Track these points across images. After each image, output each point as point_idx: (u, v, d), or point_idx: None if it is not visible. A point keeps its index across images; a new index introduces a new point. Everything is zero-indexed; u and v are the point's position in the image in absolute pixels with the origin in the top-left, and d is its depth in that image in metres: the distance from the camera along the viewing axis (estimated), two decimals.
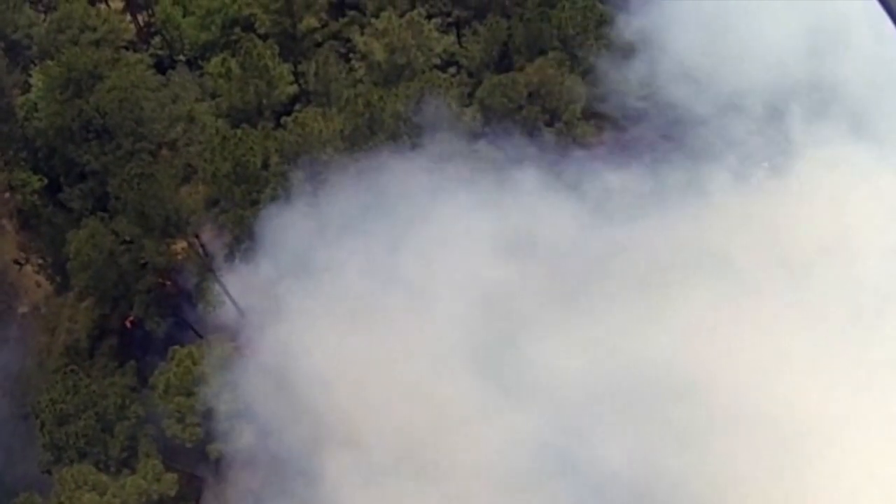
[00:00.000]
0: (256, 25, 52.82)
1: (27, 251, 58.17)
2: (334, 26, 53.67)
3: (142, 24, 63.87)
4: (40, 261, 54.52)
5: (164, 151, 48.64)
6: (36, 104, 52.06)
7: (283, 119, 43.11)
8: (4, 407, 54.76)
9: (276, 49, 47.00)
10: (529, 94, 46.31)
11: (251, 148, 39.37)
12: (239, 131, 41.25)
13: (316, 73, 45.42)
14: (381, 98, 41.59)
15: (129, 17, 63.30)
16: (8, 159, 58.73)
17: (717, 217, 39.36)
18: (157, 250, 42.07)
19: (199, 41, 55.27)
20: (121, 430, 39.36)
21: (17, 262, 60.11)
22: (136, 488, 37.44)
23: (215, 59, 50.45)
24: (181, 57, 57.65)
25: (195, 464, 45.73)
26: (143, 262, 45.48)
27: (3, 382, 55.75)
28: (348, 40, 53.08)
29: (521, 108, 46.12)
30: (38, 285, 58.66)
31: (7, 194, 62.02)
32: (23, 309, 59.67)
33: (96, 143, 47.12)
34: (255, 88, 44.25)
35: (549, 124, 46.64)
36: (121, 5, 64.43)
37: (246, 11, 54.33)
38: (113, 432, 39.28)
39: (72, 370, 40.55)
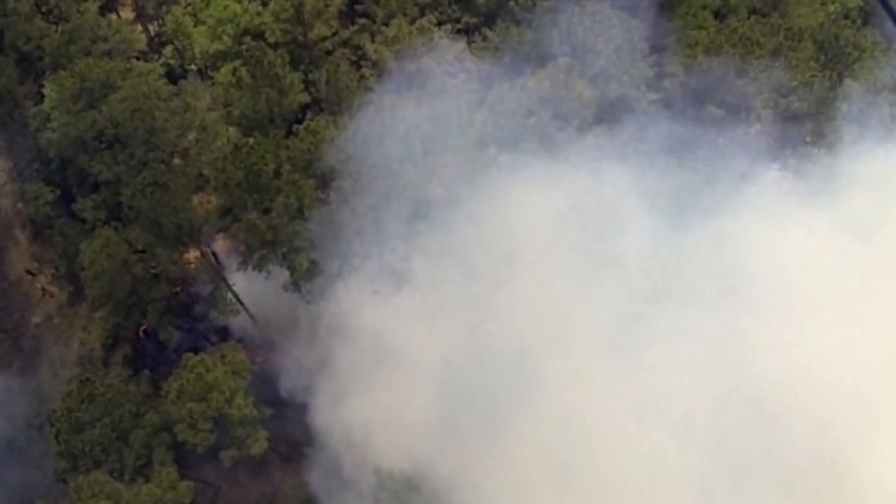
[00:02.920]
0: (267, 35, 53.06)
1: (40, 262, 58.52)
2: (344, 34, 53.86)
3: (152, 34, 64.28)
4: (53, 271, 54.64)
5: (177, 161, 48.79)
6: (49, 115, 52.34)
7: (295, 127, 43.13)
8: (19, 416, 54.96)
9: (287, 58, 47.10)
10: (540, 100, 46.22)
11: (263, 156, 39.39)
12: (251, 140, 41.30)
13: (327, 81, 45.49)
14: (392, 105, 41.57)
15: (139, 28, 63.82)
16: (21, 171, 59.20)
17: None
18: (169, 259, 42.16)
19: (211, 51, 55.57)
20: (136, 438, 39.42)
21: (29, 272, 60.47)
22: (151, 496, 37.39)
23: (225, 68, 50.72)
24: (192, 66, 57.99)
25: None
26: (156, 271, 45.64)
27: (17, 392, 55.99)
28: (358, 48, 53.25)
29: (532, 113, 46.02)
30: (52, 296, 59.02)
31: (20, 205, 62.50)
32: (36, 319, 60.01)
33: (109, 152, 47.40)
34: (266, 97, 44.28)
35: (561, 129, 46.51)
36: (131, 16, 64.97)
37: (257, 21, 54.64)
38: (128, 440, 39.36)
39: (87, 379, 40.65)
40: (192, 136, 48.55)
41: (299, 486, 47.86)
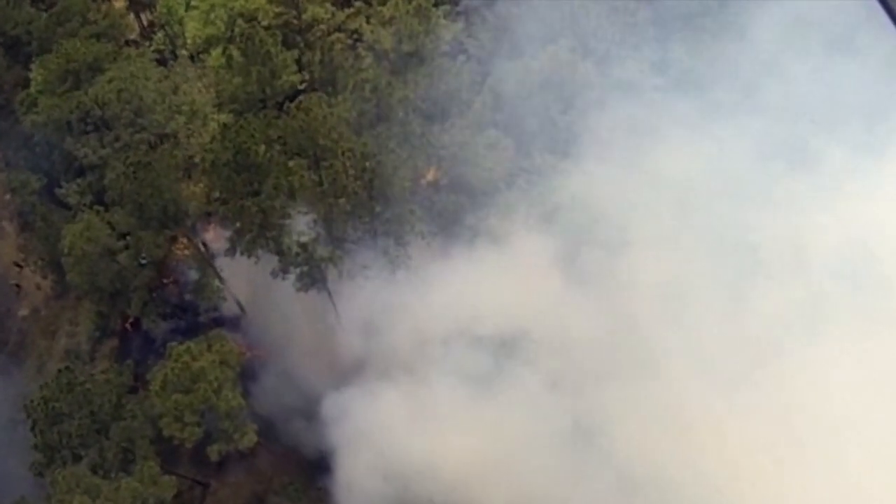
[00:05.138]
0: (260, 17, 51.43)
1: (27, 253, 56.77)
2: (340, 17, 52.24)
3: (145, 23, 62.71)
4: (39, 261, 52.88)
5: (165, 145, 46.96)
6: (36, 100, 50.65)
7: (287, 105, 41.32)
8: (4, 411, 53.28)
9: (279, 38, 45.44)
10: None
11: (253, 135, 37.56)
12: (240, 119, 39.50)
13: (321, 61, 43.75)
14: (388, 84, 39.86)
15: (131, 17, 62.21)
16: (8, 160, 57.53)
17: None
18: (154, 242, 40.22)
19: (203, 36, 53.91)
20: (116, 430, 37.47)
21: (17, 264, 58.75)
22: (130, 492, 35.36)
23: (216, 52, 49.07)
24: (184, 52, 56.33)
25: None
26: (142, 260, 43.83)
27: (2, 386, 54.26)
28: (354, 32, 51.63)
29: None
30: (39, 288, 57.27)
31: (8, 196, 60.86)
32: (23, 312, 58.32)
33: (95, 135, 45.61)
34: (257, 76, 42.56)
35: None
36: (124, 5, 63.35)
37: (251, 6, 52.98)
38: (108, 433, 37.41)
39: (66, 368, 38.65)
40: (181, 119, 46.71)
41: (291, 483, 46.21)
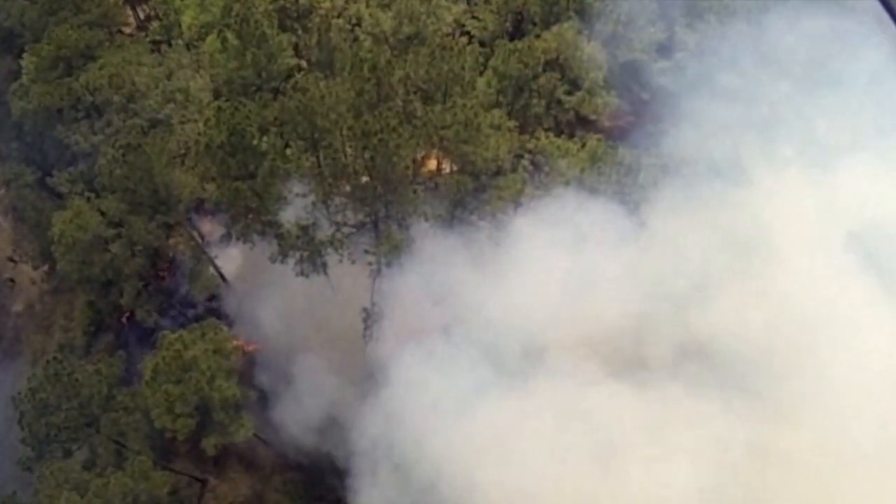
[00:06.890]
0: (257, 3, 50.10)
1: (20, 245, 55.55)
2: (339, 3, 50.94)
3: (142, 17, 61.57)
4: (31, 251, 51.63)
5: (158, 129, 45.59)
6: (28, 90, 49.40)
7: (282, 85, 39.91)
8: None
9: (276, 20, 44.12)
10: (547, 62, 43.15)
11: (248, 116, 36.17)
12: (235, 101, 38.06)
13: (318, 42, 42.36)
14: (388, 63, 38.37)
15: (128, 12, 61.04)
16: (1, 153, 56.40)
17: None
18: (145, 229, 38.79)
19: (198, 23, 52.75)
20: (107, 423, 35.92)
21: (11, 259, 57.53)
22: (120, 487, 33.79)
23: (211, 37, 47.78)
24: (179, 42, 55.18)
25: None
26: (134, 247, 42.36)
27: None
28: (353, 18, 50.28)
29: (536, 76, 42.97)
30: (33, 283, 56.04)
31: (2, 191, 59.68)
32: (17, 307, 57.08)
33: (86, 122, 44.31)
34: (252, 59, 41.19)
35: (569, 93, 43.48)
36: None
37: None
38: (99, 426, 35.88)
39: (55, 358, 37.15)
40: (176, 105, 45.37)
41: (290, 481, 44.76)
